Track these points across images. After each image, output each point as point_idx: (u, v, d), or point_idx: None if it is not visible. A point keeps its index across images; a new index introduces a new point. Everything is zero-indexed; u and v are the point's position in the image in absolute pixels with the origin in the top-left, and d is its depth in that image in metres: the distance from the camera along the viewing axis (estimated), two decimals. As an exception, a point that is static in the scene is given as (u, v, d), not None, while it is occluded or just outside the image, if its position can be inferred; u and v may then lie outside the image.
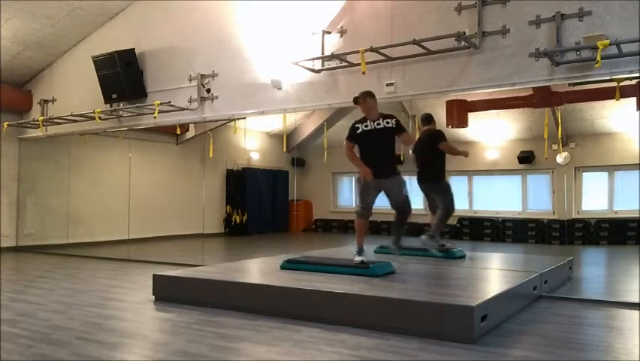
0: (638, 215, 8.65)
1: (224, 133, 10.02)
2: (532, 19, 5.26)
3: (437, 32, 5.60)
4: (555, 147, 8.63)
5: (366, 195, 5.16)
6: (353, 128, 5.19)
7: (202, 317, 4.30)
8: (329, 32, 6.46)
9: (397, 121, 5.21)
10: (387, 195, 5.21)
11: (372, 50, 5.79)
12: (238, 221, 12.17)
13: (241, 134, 10.40)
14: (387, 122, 5.15)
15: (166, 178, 11.21)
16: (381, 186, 5.13)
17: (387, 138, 5.19)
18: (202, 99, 7.48)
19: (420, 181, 6.35)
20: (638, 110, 6.36)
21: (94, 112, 8.08)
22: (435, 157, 6.24)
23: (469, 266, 5.97)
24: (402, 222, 5.42)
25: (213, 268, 5.66)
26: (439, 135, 6.27)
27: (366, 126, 5.14)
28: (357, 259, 5.08)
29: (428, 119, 6.45)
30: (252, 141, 12.11)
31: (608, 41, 4.67)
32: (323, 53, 6.41)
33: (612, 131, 9.09)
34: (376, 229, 10.23)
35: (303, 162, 12.99)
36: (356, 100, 5.21)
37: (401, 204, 5.23)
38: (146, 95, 7.97)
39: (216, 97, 7.39)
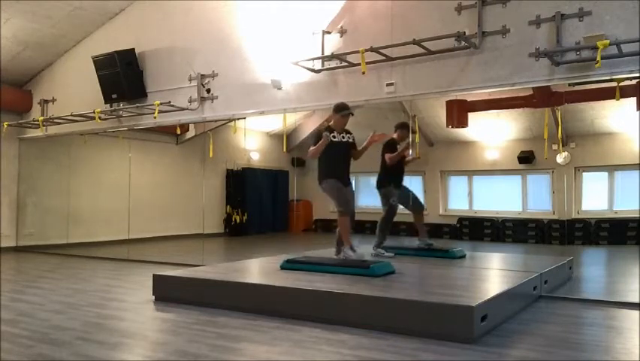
0: (638, 215, 8.64)
1: (224, 133, 10.02)
2: (532, 19, 5.26)
3: (437, 32, 5.60)
4: (555, 147, 8.62)
5: (343, 193, 5.44)
6: (319, 135, 5.39)
7: (202, 317, 4.30)
8: (329, 32, 6.46)
9: (353, 137, 5.60)
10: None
11: (372, 50, 5.79)
12: (238, 221, 12.16)
13: (241, 134, 10.38)
14: (349, 137, 5.54)
15: (166, 178, 11.20)
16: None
17: (348, 151, 5.56)
18: (202, 99, 7.48)
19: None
20: (638, 110, 6.36)
21: (94, 112, 8.08)
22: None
23: (469, 266, 5.97)
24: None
25: (213, 268, 5.66)
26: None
27: (334, 137, 5.41)
28: (351, 253, 5.27)
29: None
30: (252, 141, 12.10)
31: (608, 41, 4.67)
32: (323, 53, 6.41)
33: (612, 131, 9.09)
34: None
35: (303, 162, 12.97)
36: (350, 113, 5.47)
37: (354, 211, 5.68)
38: (146, 95, 7.97)
39: (216, 97, 7.39)
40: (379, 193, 6.53)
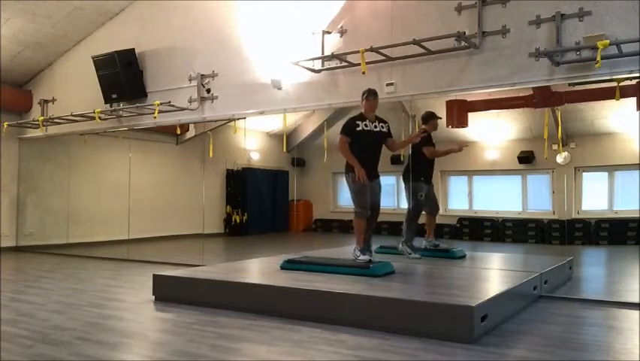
0: (638, 215, 8.63)
1: (224, 133, 10.02)
2: (532, 19, 5.26)
3: (437, 32, 5.60)
4: (555, 147, 8.61)
5: (364, 196, 5.20)
6: (353, 124, 5.24)
7: (202, 317, 4.30)
8: (329, 32, 6.46)
9: (389, 127, 5.44)
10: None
11: (372, 50, 5.79)
12: (238, 221, 12.16)
13: (241, 134, 10.39)
14: (383, 126, 5.35)
15: (166, 178, 11.20)
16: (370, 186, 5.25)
17: (380, 141, 5.38)
18: (202, 99, 7.48)
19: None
20: (638, 110, 6.36)
21: (94, 112, 8.08)
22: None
23: (469, 266, 5.97)
24: (374, 223, 5.50)
25: (213, 268, 5.66)
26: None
27: (365, 125, 5.24)
28: (363, 257, 5.13)
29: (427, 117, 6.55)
30: (252, 141, 12.10)
31: (608, 41, 4.67)
32: (323, 53, 6.41)
33: (612, 131, 9.08)
34: (377, 229, 10.22)
35: (303, 162, 12.98)
36: (372, 93, 5.27)
37: (378, 206, 5.42)
38: (146, 95, 7.98)
39: (216, 97, 7.39)
40: (406, 186, 6.39)
